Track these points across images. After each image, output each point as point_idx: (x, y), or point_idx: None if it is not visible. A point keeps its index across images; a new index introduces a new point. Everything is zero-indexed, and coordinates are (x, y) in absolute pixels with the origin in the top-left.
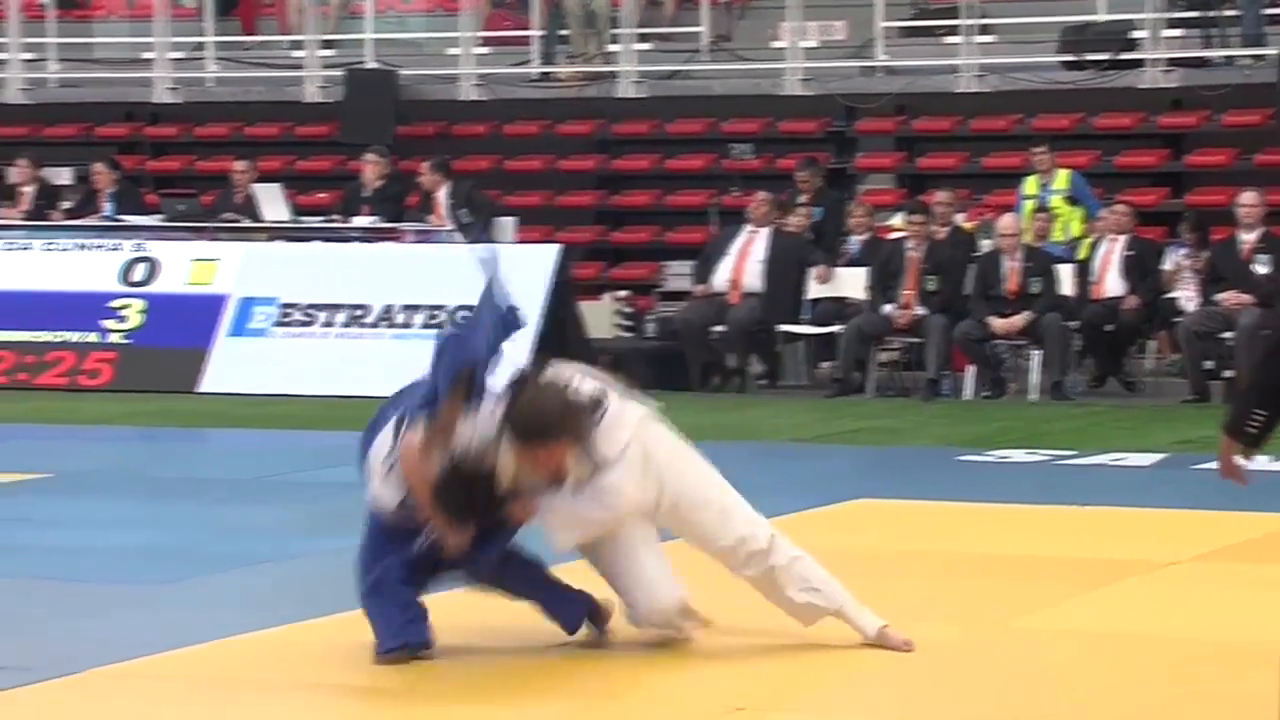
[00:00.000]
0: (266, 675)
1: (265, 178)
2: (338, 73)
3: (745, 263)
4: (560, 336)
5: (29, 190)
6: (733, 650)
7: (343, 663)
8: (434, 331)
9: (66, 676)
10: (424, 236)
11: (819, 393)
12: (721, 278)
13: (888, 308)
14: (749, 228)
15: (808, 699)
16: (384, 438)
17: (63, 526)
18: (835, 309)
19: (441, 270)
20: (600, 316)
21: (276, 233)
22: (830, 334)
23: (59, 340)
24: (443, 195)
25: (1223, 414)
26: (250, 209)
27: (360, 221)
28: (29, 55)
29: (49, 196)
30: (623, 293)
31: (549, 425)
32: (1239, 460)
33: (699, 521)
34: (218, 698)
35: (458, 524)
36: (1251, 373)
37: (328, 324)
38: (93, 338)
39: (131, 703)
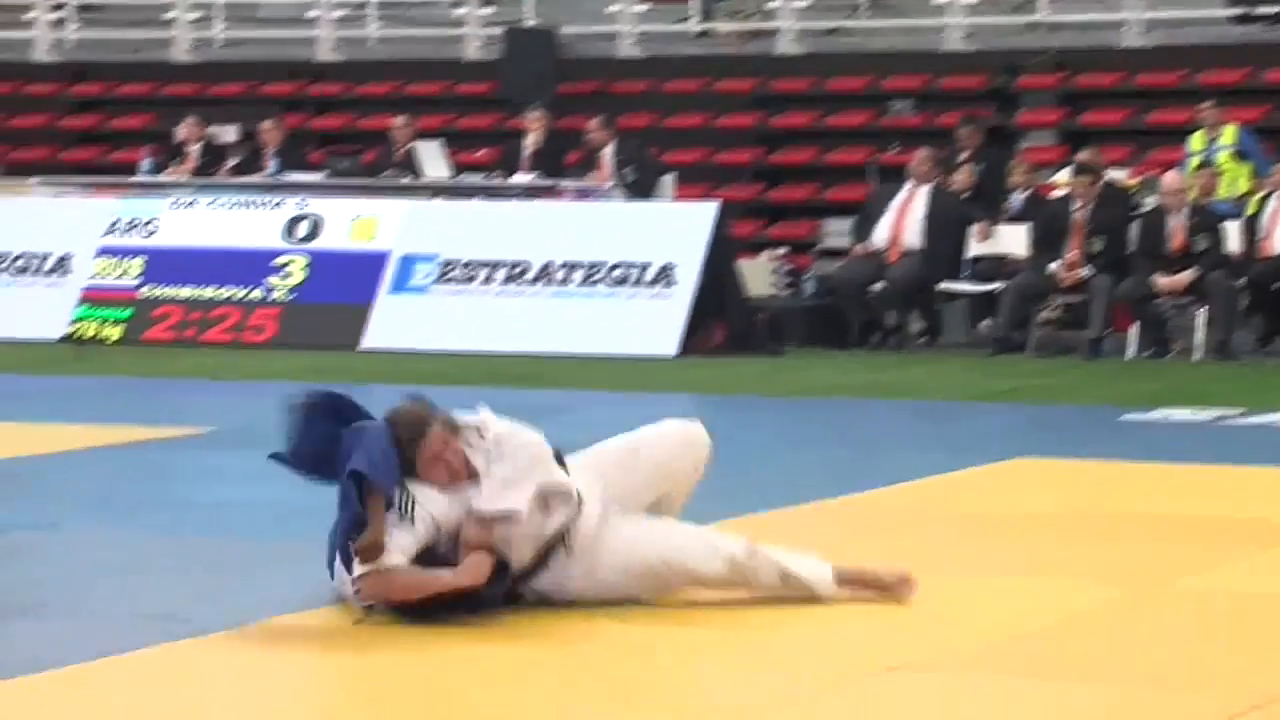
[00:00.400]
0: (425, 628)
1: (425, 135)
2: (497, 31)
3: (905, 220)
4: (718, 295)
5: (195, 148)
6: (882, 610)
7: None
8: (592, 289)
9: (229, 630)
10: (583, 194)
11: (978, 351)
12: (881, 235)
13: (1051, 266)
14: (909, 185)
15: (962, 657)
16: (338, 573)
17: (226, 481)
18: (995, 266)
19: (600, 227)
20: (758, 274)
21: (437, 190)
22: (990, 292)
23: (224, 296)
24: (608, 153)
25: None
26: (410, 166)
27: (520, 179)
28: (195, 15)
29: (215, 154)
30: (781, 250)
31: (416, 420)
32: None
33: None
34: (375, 649)
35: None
36: None
37: (487, 281)
38: (257, 294)
39: (294, 655)
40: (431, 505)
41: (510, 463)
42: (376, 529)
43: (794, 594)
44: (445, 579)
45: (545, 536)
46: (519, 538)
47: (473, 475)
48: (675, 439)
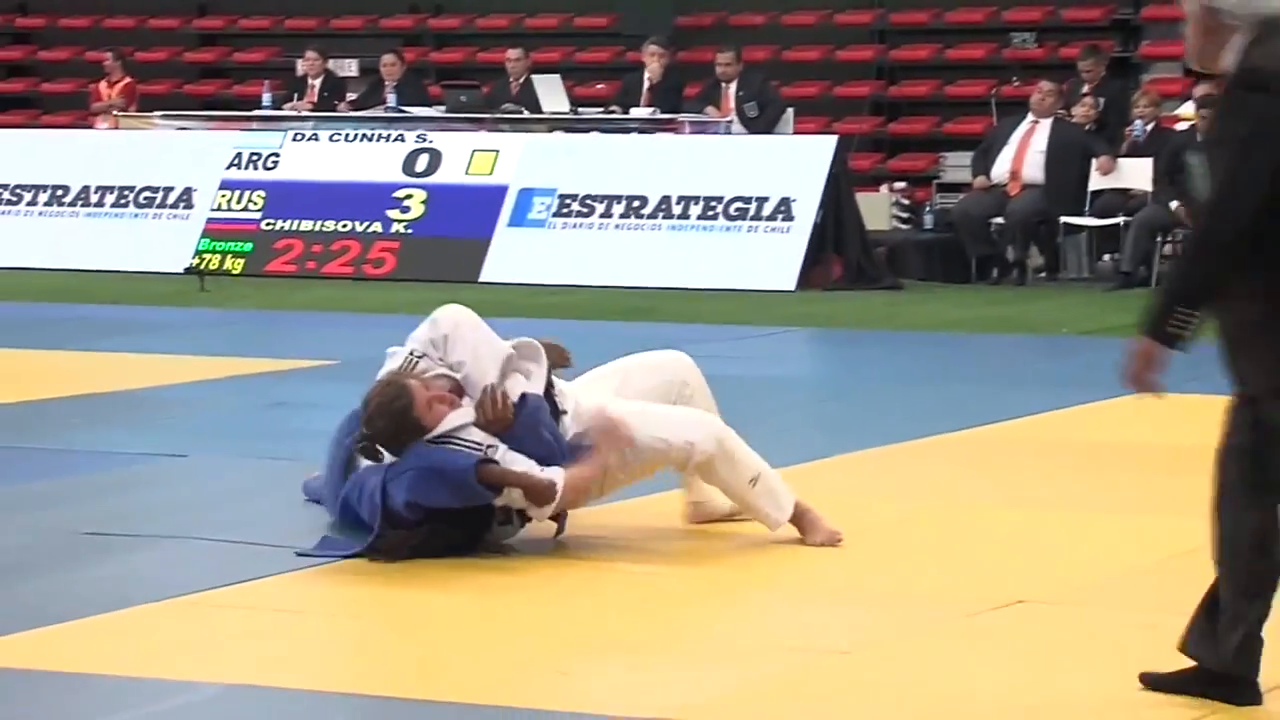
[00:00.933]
0: (554, 558)
1: (544, 69)
2: None
3: (1026, 153)
4: (836, 229)
5: (316, 82)
6: (998, 545)
7: (648, 535)
8: (710, 224)
9: (346, 560)
10: (701, 128)
11: (1100, 285)
12: (1001, 169)
13: (1174, 200)
14: (1030, 118)
15: (1082, 592)
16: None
17: (346, 412)
18: (1118, 200)
19: (719, 162)
20: (877, 208)
21: (556, 124)
22: (1112, 226)
23: (345, 229)
24: (733, 87)
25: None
26: (527, 99)
27: (639, 113)
28: None
29: (335, 88)
30: (900, 184)
31: (389, 392)
32: (1155, 363)
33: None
34: (497, 582)
35: None
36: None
37: (605, 215)
38: (377, 227)
39: (419, 583)
40: (474, 434)
41: (473, 364)
42: (522, 479)
43: (745, 504)
44: (597, 460)
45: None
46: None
47: (459, 391)
48: (658, 355)
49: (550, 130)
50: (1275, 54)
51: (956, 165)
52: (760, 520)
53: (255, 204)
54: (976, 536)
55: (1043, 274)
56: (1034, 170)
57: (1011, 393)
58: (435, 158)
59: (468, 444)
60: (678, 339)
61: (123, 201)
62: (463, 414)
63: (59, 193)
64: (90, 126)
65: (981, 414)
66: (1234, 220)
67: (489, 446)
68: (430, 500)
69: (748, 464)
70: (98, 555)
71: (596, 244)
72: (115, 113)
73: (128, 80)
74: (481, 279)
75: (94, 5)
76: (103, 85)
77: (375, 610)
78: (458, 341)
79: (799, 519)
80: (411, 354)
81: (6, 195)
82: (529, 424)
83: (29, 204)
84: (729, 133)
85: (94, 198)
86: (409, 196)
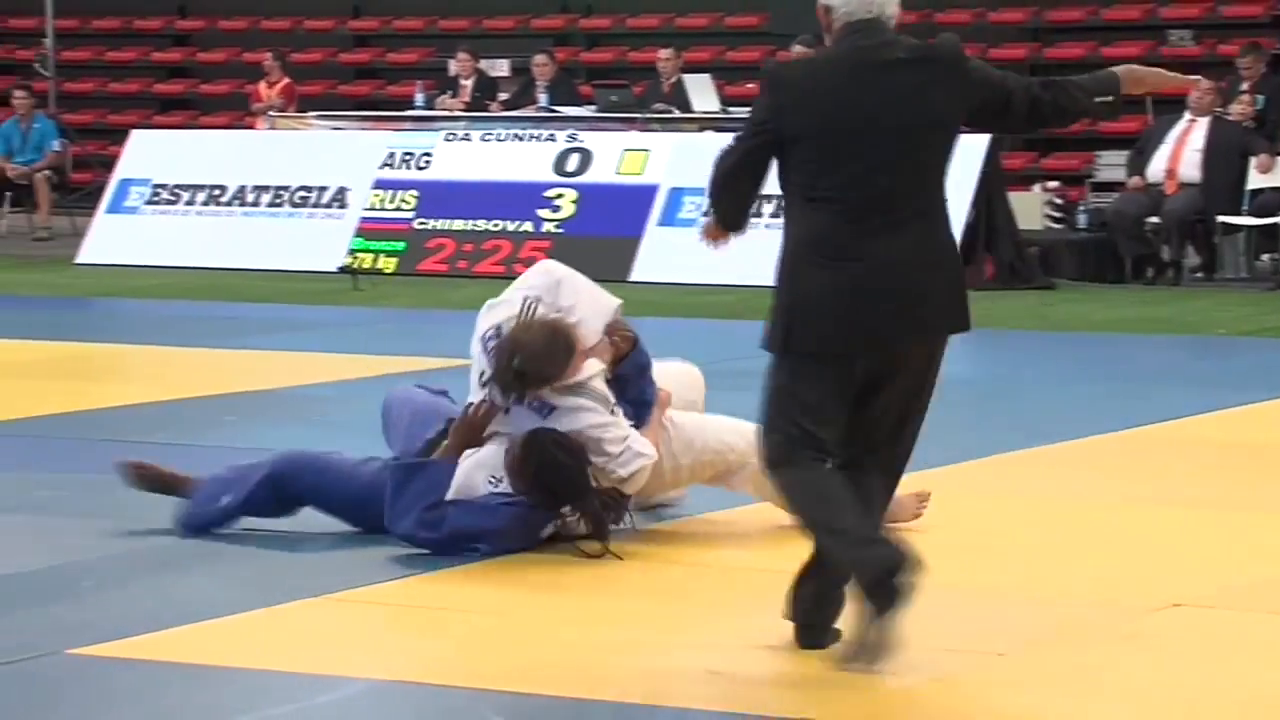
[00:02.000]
0: (670, 557)
1: (695, 68)
2: None
3: (1182, 152)
4: (988, 228)
5: (469, 83)
6: (1162, 546)
7: (778, 536)
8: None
9: (492, 561)
10: None
11: (1259, 285)
12: (1157, 168)
13: None
14: (1187, 116)
15: (1246, 596)
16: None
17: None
18: (1276, 199)
19: None
20: (1030, 207)
21: (706, 123)
22: (1272, 225)
23: (496, 229)
24: None
25: None
26: (678, 98)
27: None
28: None
29: (487, 88)
30: (1053, 183)
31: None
32: None
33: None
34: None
35: None
36: None
37: (757, 214)
38: (528, 226)
39: (549, 581)
40: (599, 385)
41: (583, 308)
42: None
43: None
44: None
45: None
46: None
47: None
48: (676, 369)
49: (700, 129)
50: None
51: (1111, 164)
52: None
53: (408, 203)
54: (1131, 538)
55: (1199, 274)
56: (1191, 169)
57: (1167, 394)
58: (586, 157)
59: (594, 395)
60: None
61: (278, 201)
62: (593, 364)
63: (216, 192)
64: (248, 127)
65: (1136, 415)
66: None
67: (615, 405)
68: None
69: None
70: (249, 551)
71: (748, 243)
72: (272, 113)
73: (286, 81)
74: (631, 278)
75: (251, 7)
76: (262, 86)
77: (518, 608)
78: (569, 288)
79: None
80: (526, 299)
81: (165, 195)
82: (637, 366)
83: (187, 203)
84: None
85: (250, 197)
86: (560, 196)
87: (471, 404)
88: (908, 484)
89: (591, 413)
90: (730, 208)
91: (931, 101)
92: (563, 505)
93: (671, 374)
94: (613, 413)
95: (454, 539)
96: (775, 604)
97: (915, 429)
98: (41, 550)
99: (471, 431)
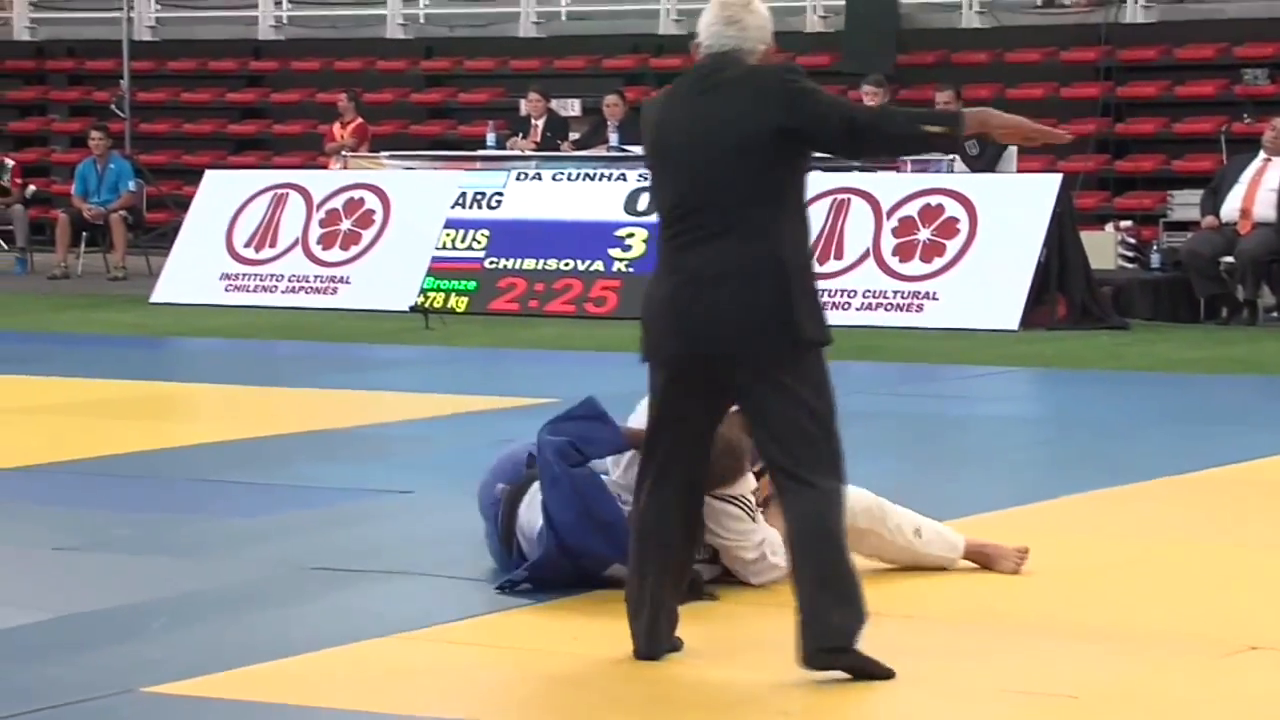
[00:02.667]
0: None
1: None
2: (839, 2)
3: (1257, 191)
4: (1061, 268)
5: (540, 122)
6: (1238, 588)
7: None
8: (929, 264)
9: (567, 597)
10: (923, 166)
11: None
12: (1231, 207)
13: None
14: (1262, 155)
15: None
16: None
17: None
18: None
19: (938, 199)
20: (1103, 247)
21: None
22: None
23: (567, 268)
24: None
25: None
26: None
27: None
28: None
29: (558, 128)
30: (1126, 222)
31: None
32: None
33: None
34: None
35: None
36: None
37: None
38: (599, 266)
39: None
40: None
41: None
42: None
43: (917, 556)
44: None
45: None
46: None
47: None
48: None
49: None
50: None
51: (1185, 203)
52: (932, 564)
53: (479, 243)
54: (1207, 580)
55: (1274, 314)
56: (1265, 208)
57: (1242, 434)
58: None
59: (741, 502)
60: (901, 377)
61: (350, 241)
62: (750, 480)
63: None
64: (321, 167)
65: (1211, 456)
66: None
67: (756, 510)
68: (581, 542)
69: (906, 519)
70: (325, 589)
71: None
72: (345, 153)
73: (360, 121)
74: None
75: (324, 48)
76: (336, 126)
77: (601, 645)
78: None
79: (977, 555)
80: None
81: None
82: None
83: (261, 245)
84: (950, 170)
85: (323, 237)
86: (630, 235)
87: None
88: (1001, 533)
89: (734, 519)
90: None
91: (745, 122)
92: None
93: None
94: (754, 518)
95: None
96: (867, 644)
97: (818, 435)
98: (116, 588)
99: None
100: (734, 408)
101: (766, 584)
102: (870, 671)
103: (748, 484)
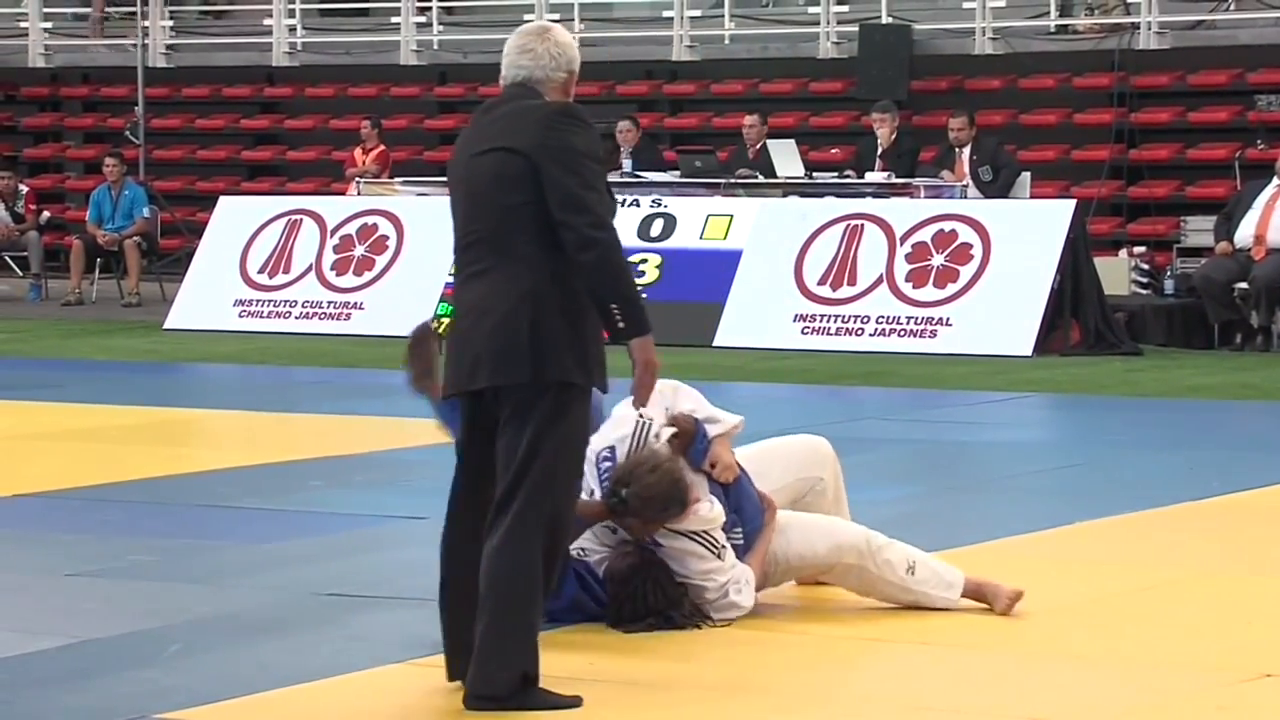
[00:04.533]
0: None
1: (780, 134)
2: (852, 28)
3: (1271, 218)
4: (1074, 293)
5: None
6: (1252, 615)
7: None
8: (941, 290)
9: (565, 629)
10: (936, 192)
11: None
12: (1245, 233)
13: None
14: (1276, 181)
15: None
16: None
17: None
18: None
19: (951, 226)
20: (1117, 273)
21: (790, 188)
22: None
23: None
24: (967, 151)
25: None
26: (763, 164)
27: (873, 177)
28: (555, 16)
29: None
30: (1140, 248)
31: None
32: None
33: None
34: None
35: None
36: None
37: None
38: None
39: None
40: (717, 534)
41: (703, 410)
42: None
43: (911, 595)
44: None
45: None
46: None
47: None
48: (800, 446)
49: (785, 195)
50: None
51: (1198, 229)
52: (930, 605)
53: None
54: (1220, 606)
55: None
56: (1279, 234)
57: (1257, 461)
58: (670, 222)
59: (703, 540)
60: (913, 403)
61: (364, 266)
62: (704, 509)
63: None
64: (338, 193)
65: (1225, 482)
66: None
67: (722, 547)
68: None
69: (897, 555)
70: (340, 616)
71: (833, 309)
72: (359, 180)
73: (381, 148)
74: (715, 343)
75: (338, 74)
76: (357, 152)
77: (615, 673)
78: (686, 395)
79: (976, 592)
80: (639, 423)
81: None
82: (745, 490)
83: (275, 271)
84: (964, 197)
85: (337, 263)
86: (644, 261)
87: (594, 495)
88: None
89: (698, 559)
90: None
91: (507, 160)
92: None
93: (796, 450)
94: (719, 556)
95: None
96: (869, 667)
97: (530, 477)
98: (131, 614)
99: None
100: (668, 436)
101: (729, 620)
102: (546, 704)
103: (708, 518)
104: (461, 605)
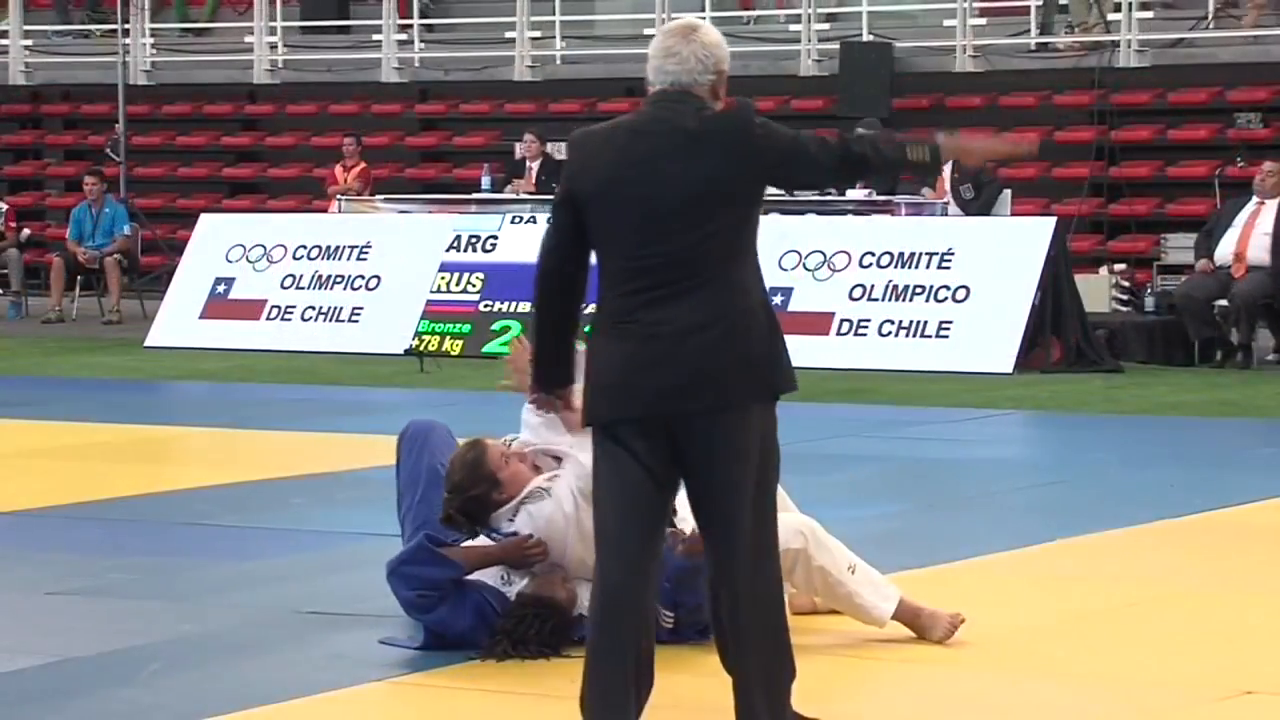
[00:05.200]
0: None
1: None
2: (833, 46)
3: (1251, 235)
4: (1055, 311)
5: (535, 165)
6: (1232, 632)
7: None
8: (926, 305)
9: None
10: (917, 209)
11: None
12: (1225, 251)
13: None
14: (1255, 199)
15: None
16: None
17: None
18: None
19: (935, 243)
20: (1098, 290)
21: (772, 205)
22: None
23: None
24: (948, 168)
25: None
26: None
27: (854, 195)
28: (535, 34)
29: (553, 171)
30: (1120, 266)
31: (468, 463)
32: None
33: None
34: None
35: None
36: None
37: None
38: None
39: None
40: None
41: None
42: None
43: (847, 592)
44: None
45: None
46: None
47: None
48: None
49: (766, 212)
50: None
51: (1178, 247)
52: (863, 614)
53: (474, 286)
54: (1201, 624)
55: (1269, 357)
56: (1259, 252)
57: (1236, 478)
58: None
59: (537, 498)
60: (894, 420)
61: (344, 284)
62: (544, 478)
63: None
64: (318, 210)
65: (1206, 500)
66: None
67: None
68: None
69: (842, 554)
70: (320, 634)
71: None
72: (338, 197)
73: (363, 165)
74: None
75: (319, 92)
76: (338, 169)
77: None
78: (559, 425)
79: (911, 620)
80: (506, 439)
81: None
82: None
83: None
84: (945, 214)
85: (317, 280)
86: None
87: (530, 537)
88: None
89: (548, 521)
90: (554, 282)
91: (714, 171)
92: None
93: None
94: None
95: (432, 631)
96: (854, 684)
97: (742, 504)
98: (111, 632)
99: (514, 559)
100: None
101: None
102: None
103: (529, 478)
104: (638, 662)
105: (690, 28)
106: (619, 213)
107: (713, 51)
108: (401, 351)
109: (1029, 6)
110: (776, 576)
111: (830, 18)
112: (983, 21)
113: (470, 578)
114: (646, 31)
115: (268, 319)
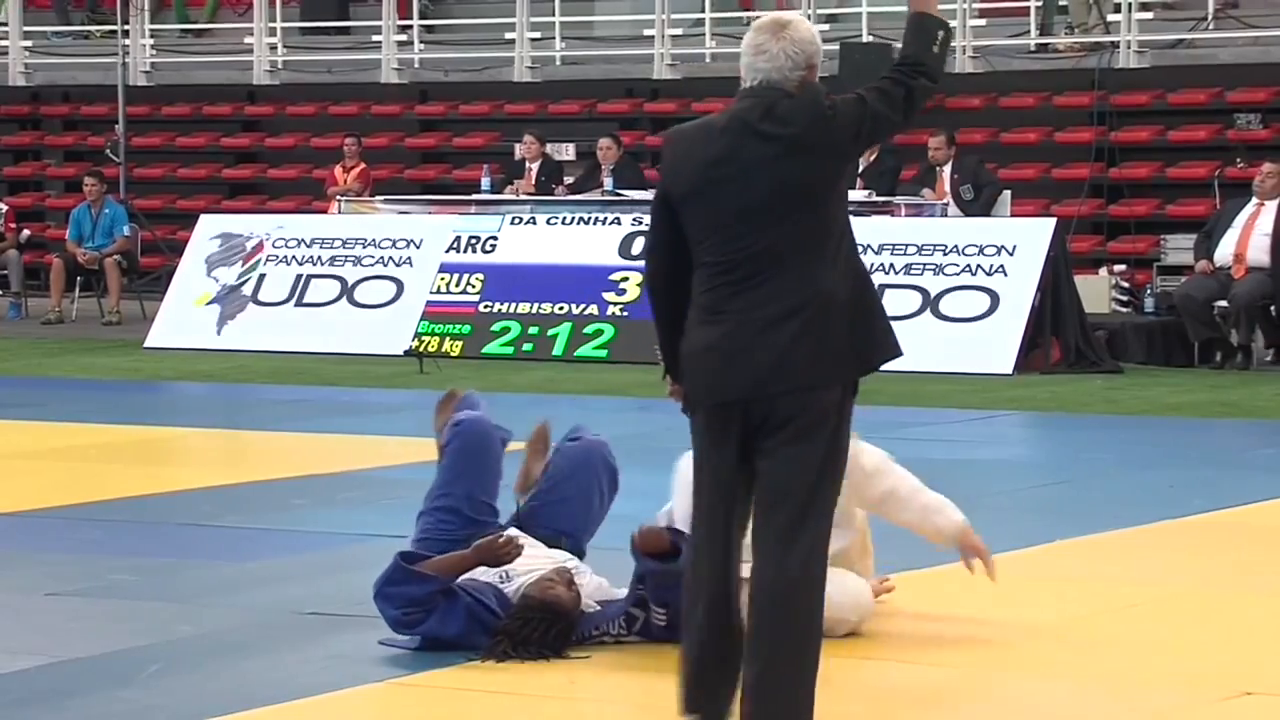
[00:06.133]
0: None
1: None
2: (832, 46)
3: (1250, 236)
4: (1055, 312)
5: (534, 166)
6: (1232, 633)
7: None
8: (927, 306)
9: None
10: (917, 210)
11: None
12: (1225, 252)
13: None
14: (1255, 200)
15: None
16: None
17: None
18: None
19: (935, 243)
20: (1097, 291)
21: None
22: None
23: (562, 311)
24: (948, 169)
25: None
26: None
27: (854, 195)
28: (535, 35)
29: (553, 172)
30: (1120, 267)
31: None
32: None
33: None
34: None
35: None
36: None
37: None
38: (593, 310)
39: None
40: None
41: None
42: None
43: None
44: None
45: None
46: None
47: None
48: None
49: None
50: None
51: (1178, 248)
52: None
53: (474, 286)
54: (1201, 624)
55: (1268, 358)
56: (1259, 253)
57: (1236, 479)
58: None
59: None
60: (894, 421)
61: (344, 284)
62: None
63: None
64: (318, 211)
65: (1206, 501)
66: None
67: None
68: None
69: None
70: (320, 635)
71: None
72: (338, 198)
73: (363, 166)
74: None
75: (319, 93)
76: (338, 170)
77: (597, 693)
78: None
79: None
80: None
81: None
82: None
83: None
84: (945, 215)
85: (317, 280)
86: (625, 279)
87: (504, 533)
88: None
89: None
90: (660, 282)
91: (793, 166)
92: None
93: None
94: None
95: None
96: (855, 690)
97: (801, 478)
98: (111, 633)
99: (490, 559)
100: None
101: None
102: None
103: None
104: (726, 642)
105: (781, 24)
106: (709, 212)
107: (803, 48)
108: (401, 352)
109: (1029, 7)
110: (814, 574)
111: (830, 18)
112: (982, 22)
113: (460, 581)
114: (646, 32)
115: (268, 319)
